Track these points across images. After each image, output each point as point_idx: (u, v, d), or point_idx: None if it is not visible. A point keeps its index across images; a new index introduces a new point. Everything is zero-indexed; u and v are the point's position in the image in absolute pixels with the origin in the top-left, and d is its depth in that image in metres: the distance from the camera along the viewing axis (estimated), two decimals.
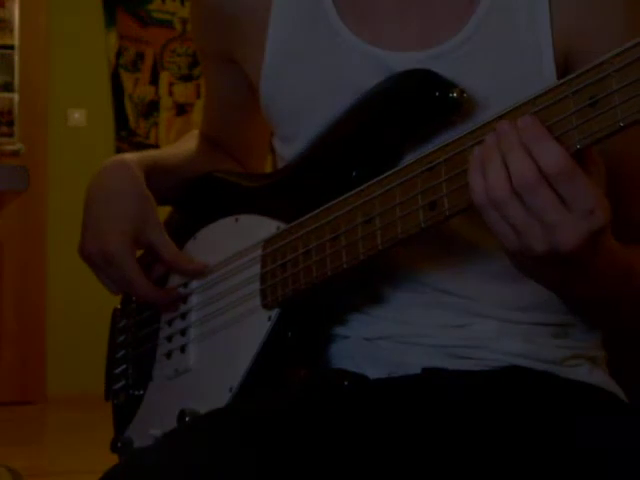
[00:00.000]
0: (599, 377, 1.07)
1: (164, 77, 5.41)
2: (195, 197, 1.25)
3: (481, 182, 0.84)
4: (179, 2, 5.40)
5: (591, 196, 0.81)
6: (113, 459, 1.17)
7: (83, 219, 1.16)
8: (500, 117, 0.85)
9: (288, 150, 1.13)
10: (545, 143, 0.81)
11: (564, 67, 1.02)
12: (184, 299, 1.19)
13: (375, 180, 0.96)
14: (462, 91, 0.97)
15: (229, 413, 1.02)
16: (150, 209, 1.15)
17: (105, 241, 1.12)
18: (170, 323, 1.20)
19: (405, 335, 1.05)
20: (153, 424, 1.17)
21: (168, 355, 1.19)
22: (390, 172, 0.94)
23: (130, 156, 1.18)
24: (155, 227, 1.15)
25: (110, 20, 5.30)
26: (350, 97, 1.04)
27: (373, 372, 1.05)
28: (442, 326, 1.04)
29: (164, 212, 1.28)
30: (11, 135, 5.09)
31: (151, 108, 5.38)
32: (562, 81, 0.82)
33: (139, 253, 1.17)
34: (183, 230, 1.22)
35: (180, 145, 1.32)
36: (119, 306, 1.31)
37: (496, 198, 0.83)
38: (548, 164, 0.80)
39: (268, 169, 1.26)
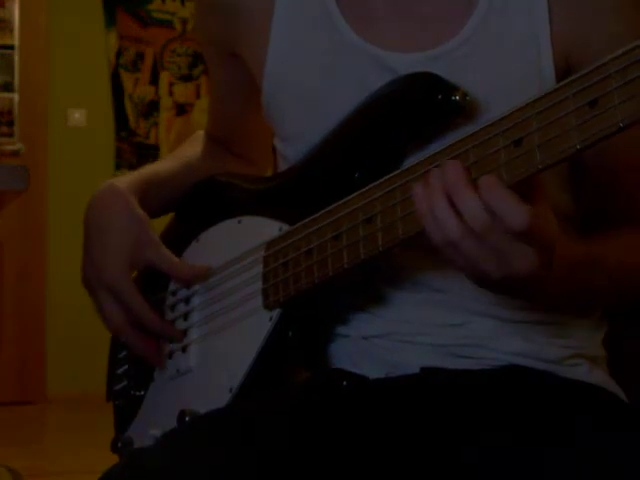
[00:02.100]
0: (599, 377, 1.08)
1: (164, 77, 5.41)
2: (198, 200, 1.25)
3: (434, 225, 0.86)
4: (179, 2, 5.40)
5: (545, 234, 0.84)
6: (113, 459, 1.17)
7: (83, 248, 1.17)
8: (501, 119, 0.86)
9: (289, 150, 1.13)
10: (466, 195, 0.84)
11: (565, 68, 1.02)
12: (187, 300, 1.19)
13: (377, 182, 0.96)
14: (465, 94, 0.97)
15: (229, 413, 1.02)
16: (144, 230, 1.15)
17: (102, 270, 1.13)
18: (172, 324, 1.20)
19: (404, 334, 1.05)
20: (153, 424, 1.17)
21: (170, 355, 1.19)
22: (392, 174, 0.95)
23: (120, 181, 1.18)
24: (152, 246, 1.15)
25: (110, 20, 5.30)
26: (351, 97, 1.04)
27: (372, 371, 1.05)
28: (441, 325, 1.04)
29: (166, 218, 1.29)
30: (11, 135, 5.09)
31: (151, 108, 5.38)
32: (562, 83, 0.82)
33: None
34: (186, 233, 1.22)
35: (180, 154, 1.32)
36: None
37: (451, 239, 0.85)
38: (515, 223, 0.82)
39: (271, 167, 1.27)
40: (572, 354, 1.06)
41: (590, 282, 0.99)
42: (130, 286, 1.13)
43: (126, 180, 1.19)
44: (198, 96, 5.39)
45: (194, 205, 1.26)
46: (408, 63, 1.02)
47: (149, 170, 1.24)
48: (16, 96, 5.11)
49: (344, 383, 1.03)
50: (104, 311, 1.15)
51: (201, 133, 1.35)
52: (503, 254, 0.84)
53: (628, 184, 1.06)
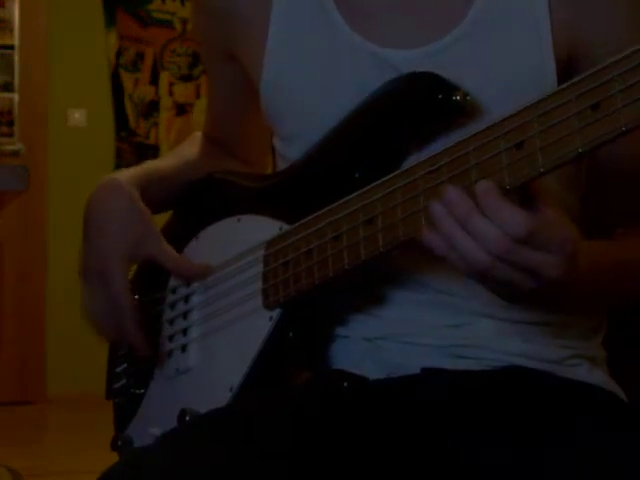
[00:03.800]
0: (598, 377, 1.08)
1: (164, 77, 5.41)
2: (197, 198, 1.25)
3: (460, 260, 0.86)
4: (179, 2, 5.40)
5: (563, 235, 0.85)
6: (113, 459, 1.17)
7: (82, 241, 1.16)
8: (503, 120, 0.85)
9: (289, 149, 1.13)
10: (505, 211, 0.83)
11: (566, 62, 1.02)
12: (186, 298, 1.19)
13: (378, 182, 0.96)
14: (465, 94, 0.97)
15: (229, 413, 1.02)
16: (146, 222, 1.15)
17: (103, 261, 1.13)
18: (171, 322, 1.20)
19: (404, 335, 1.05)
20: (153, 423, 1.17)
21: (169, 354, 1.19)
22: (393, 174, 0.95)
23: (122, 175, 1.18)
24: (153, 239, 1.15)
25: (110, 20, 5.30)
26: (350, 95, 1.04)
27: (373, 372, 1.05)
28: (441, 326, 1.04)
29: (164, 216, 1.28)
30: (11, 135, 5.09)
31: (151, 108, 5.38)
32: (564, 86, 0.82)
33: None
34: (185, 230, 1.22)
35: (179, 152, 1.32)
36: None
37: (480, 269, 0.85)
38: (516, 232, 0.83)
39: (269, 168, 1.27)
40: (572, 354, 1.06)
41: (613, 281, 1.00)
42: (122, 280, 1.12)
43: (128, 174, 1.19)
44: (198, 96, 5.38)
45: (193, 203, 1.26)
46: (407, 59, 1.02)
47: (150, 165, 1.24)
48: (16, 96, 5.11)
49: (345, 384, 1.03)
50: (96, 300, 1.14)
51: (199, 134, 1.35)
52: (531, 268, 0.85)
53: None
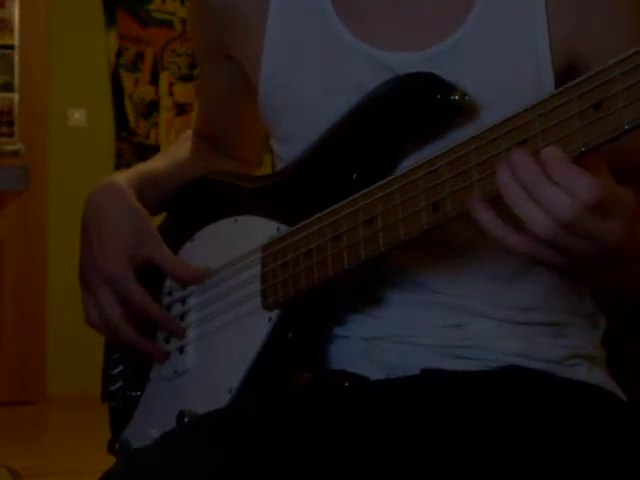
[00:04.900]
0: (598, 377, 1.08)
1: (164, 77, 5.41)
2: (192, 199, 1.25)
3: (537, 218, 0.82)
4: (179, 2, 5.40)
5: (625, 201, 0.83)
6: (113, 459, 1.17)
7: (80, 242, 1.16)
8: (506, 120, 0.85)
9: (286, 150, 1.13)
10: (576, 176, 0.80)
11: (564, 68, 1.02)
12: (183, 300, 1.19)
13: (379, 183, 0.96)
14: (464, 94, 0.97)
15: (229, 414, 1.02)
16: (145, 223, 1.15)
17: (103, 264, 1.12)
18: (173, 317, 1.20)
19: (403, 335, 1.05)
20: (151, 425, 1.16)
21: (166, 356, 1.19)
22: (393, 176, 0.94)
23: (118, 177, 1.18)
24: (152, 241, 1.15)
25: (110, 20, 5.30)
26: (348, 97, 1.04)
27: (372, 373, 1.05)
28: (440, 326, 1.04)
29: (161, 216, 1.28)
30: (11, 135, 5.09)
31: (151, 108, 5.38)
32: (566, 86, 0.82)
33: None
34: (180, 232, 1.21)
35: (171, 152, 1.31)
36: None
37: (543, 238, 0.82)
38: (588, 198, 0.80)
39: (267, 170, 1.26)
40: (571, 354, 1.06)
41: None
42: (132, 278, 1.12)
43: (124, 176, 1.19)
44: (198, 96, 5.38)
45: (187, 204, 1.25)
46: (405, 62, 1.02)
47: (143, 168, 1.23)
48: (16, 96, 5.10)
49: (345, 384, 1.03)
50: (102, 306, 1.13)
51: (189, 133, 1.34)
52: (594, 237, 0.82)
53: None
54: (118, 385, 1.26)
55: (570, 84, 0.82)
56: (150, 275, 1.17)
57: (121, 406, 1.25)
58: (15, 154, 4.91)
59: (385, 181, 0.95)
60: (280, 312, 1.06)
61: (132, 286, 1.12)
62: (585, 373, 1.06)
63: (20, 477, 3.15)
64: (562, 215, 0.80)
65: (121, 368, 1.26)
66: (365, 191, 0.97)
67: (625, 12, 1.02)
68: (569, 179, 0.80)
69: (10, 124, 5.10)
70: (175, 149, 1.32)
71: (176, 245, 1.20)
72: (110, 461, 1.02)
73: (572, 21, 1.01)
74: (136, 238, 1.14)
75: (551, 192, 0.80)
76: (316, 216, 1.02)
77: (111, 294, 1.13)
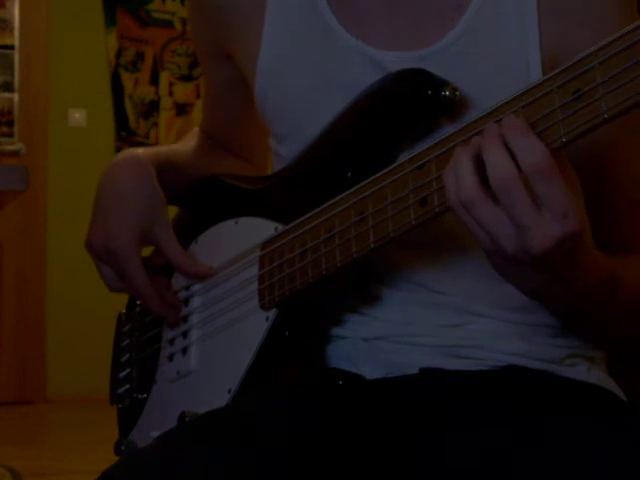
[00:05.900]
0: (597, 376, 1.08)
1: (164, 77, 5.41)
2: (197, 200, 1.25)
3: (453, 183, 0.83)
4: (179, 2, 5.40)
5: (566, 200, 0.79)
6: (113, 459, 1.17)
7: (93, 211, 1.16)
8: (488, 114, 0.85)
9: (283, 148, 1.13)
10: (528, 140, 0.79)
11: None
12: (186, 301, 1.19)
13: (368, 180, 0.96)
14: (455, 89, 0.97)
15: (226, 413, 1.02)
16: (160, 207, 1.15)
17: (112, 236, 1.12)
18: (173, 326, 1.20)
19: (402, 335, 1.05)
20: (155, 426, 1.16)
21: (170, 358, 1.19)
22: (382, 172, 0.94)
23: (143, 151, 1.18)
24: (163, 226, 1.15)
25: (110, 20, 5.30)
26: (343, 95, 1.04)
27: (371, 372, 1.05)
28: (439, 326, 1.04)
29: (172, 212, 1.28)
30: (11, 135, 5.09)
31: (151, 108, 5.38)
32: (547, 76, 0.82)
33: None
34: (186, 234, 1.22)
35: (185, 143, 1.32)
36: (124, 310, 1.31)
37: (466, 199, 0.82)
38: (528, 161, 0.79)
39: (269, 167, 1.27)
40: (570, 354, 1.06)
41: (605, 303, 0.95)
42: (136, 258, 1.12)
43: (148, 153, 1.18)
44: (198, 96, 5.39)
45: (194, 205, 1.26)
46: (400, 62, 1.02)
47: (164, 150, 1.23)
48: (16, 96, 5.11)
49: (340, 382, 1.03)
50: (105, 277, 1.15)
51: (196, 130, 1.35)
52: (523, 222, 0.80)
53: (619, 207, 1.05)
54: (126, 387, 1.27)
55: (550, 74, 0.81)
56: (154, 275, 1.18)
57: (128, 408, 1.26)
58: (15, 154, 4.91)
59: (375, 177, 0.95)
60: (277, 311, 1.06)
61: (134, 266, 1.12)
62: (585, 373, 1.06)
63: (20, 477, 3.15)
64: (495, 175, 0.79)
65: (129, 371, 1.27)
66: (356, 187, 0.97)
67: (609, 26, 1.01)
68: (519, 140, 0.79)
69: (10, 124, 5.10)
70: (188, 143, 1.31)
71: (183, 246, 1.20)
72: (110, 461, 1.02)
73: (560, 30, 1.01)
74: (149, 219, 1.14)
75: (496, 150, 0.80)
76: (309, 215, 1.02)
77: (112, 268, 1.14)
